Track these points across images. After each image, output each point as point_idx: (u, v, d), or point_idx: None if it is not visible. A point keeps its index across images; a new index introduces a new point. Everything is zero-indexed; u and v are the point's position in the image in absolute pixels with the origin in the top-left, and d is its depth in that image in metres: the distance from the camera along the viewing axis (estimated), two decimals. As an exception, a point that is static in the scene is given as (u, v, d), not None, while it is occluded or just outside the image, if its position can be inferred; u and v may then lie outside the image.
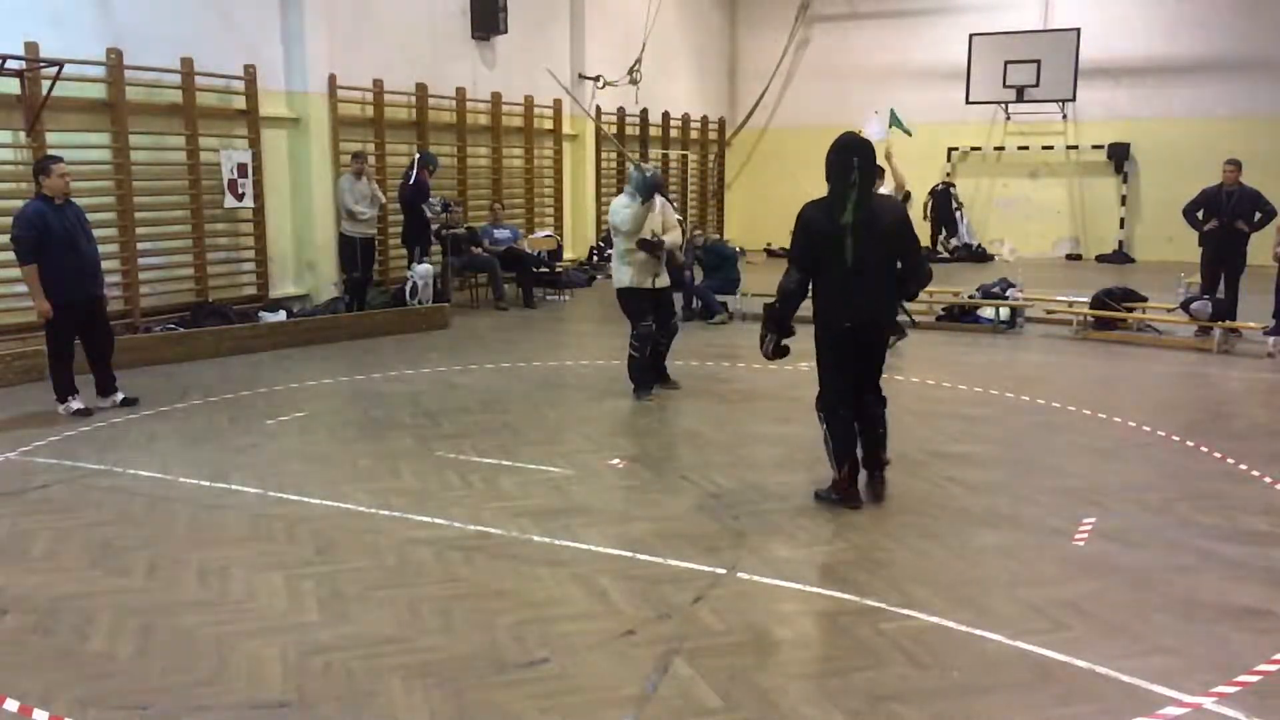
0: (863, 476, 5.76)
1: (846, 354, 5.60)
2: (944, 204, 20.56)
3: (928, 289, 15.18)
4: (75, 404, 7.80)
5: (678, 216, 9.14)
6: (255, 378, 9.16)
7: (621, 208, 8.32)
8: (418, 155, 12.93)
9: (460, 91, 14.72)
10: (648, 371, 8.43)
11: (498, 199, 15.12)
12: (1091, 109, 19.45)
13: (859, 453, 5.70)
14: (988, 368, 9.72)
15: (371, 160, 12.79)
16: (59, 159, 7.78)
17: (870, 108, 20.74)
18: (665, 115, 19.85)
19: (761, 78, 22.05)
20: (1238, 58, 18.39)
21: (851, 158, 5.38)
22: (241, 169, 11.53)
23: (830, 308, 5.55)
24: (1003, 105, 19.72)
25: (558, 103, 16.78)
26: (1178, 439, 7.13)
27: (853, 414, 5.64)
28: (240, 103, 11.55)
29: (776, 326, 5.75)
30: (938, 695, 3.68)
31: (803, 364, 10.03)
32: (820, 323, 5.63)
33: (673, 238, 8.47)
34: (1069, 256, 20.21)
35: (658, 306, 8.41)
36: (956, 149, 20.82)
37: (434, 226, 13.14)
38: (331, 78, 12.45)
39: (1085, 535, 5.27)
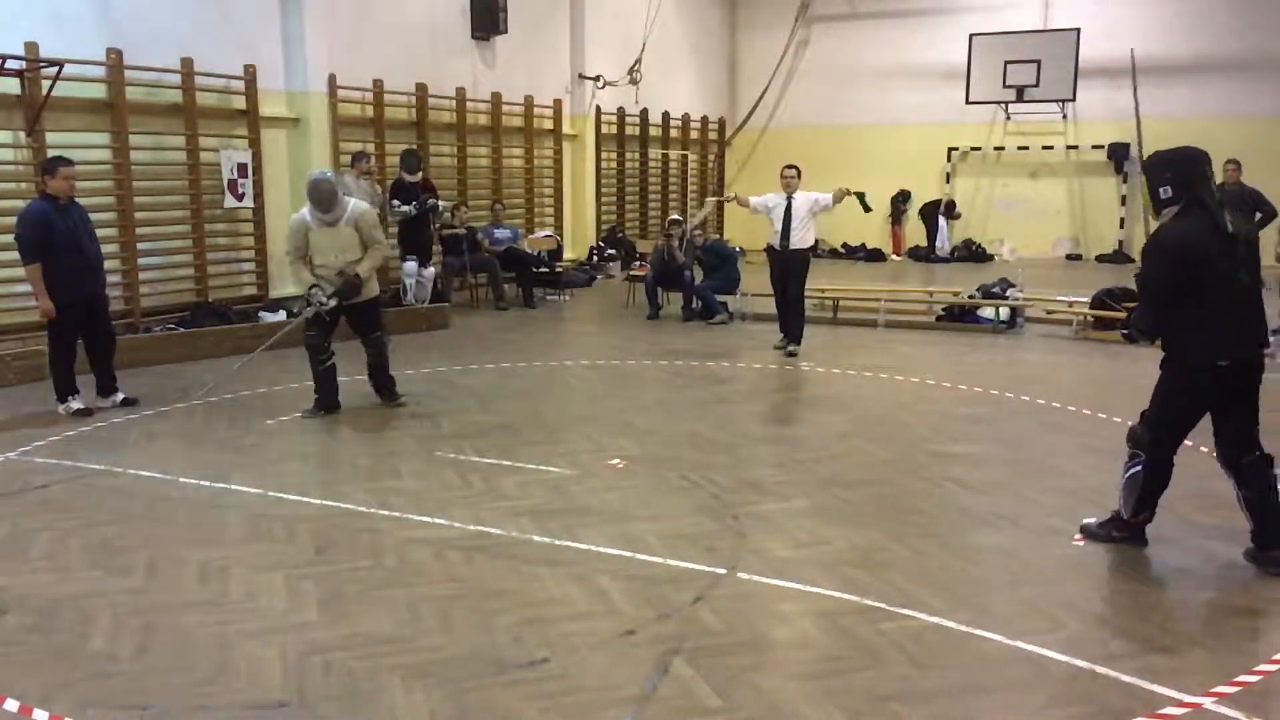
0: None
1: (1214, 396, 4.80)
2: (932, 210, 20.67)
3: (927, 288, 15.22)
4: (75, 404, 7.80)
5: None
6: (255, 378, 9.15)
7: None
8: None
9: (460, 91, 14.72)
10: (322, 388, 7.86)
11: (498, 199, 15.12)
12: (1091, 109, 19.45)
13: (1251, 524, 4.91)
14: (988, 368, 9.72)
15: (371, 160, 12.77)
16: (69, 162, 7.76)
17: (871, 108, 20.92)
18: (665, 115, 19.85)
19: (761, 78, 22.04)
20: (1238, 58, 18.38)
21: (1204, 163, 4.84)
22: (241, 169, 11.53)
23: (1207, 339, 4.72)
24: (1003, 105, 19.71)
25: (558, 103, 16.79)
26: (1178, 439, 7.11)
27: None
28: (240, 103, 11.55)
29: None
30: (938, 695, 3.68)
31: (803, 364, 10.09)
32: (1189, 358, 4.81)
33: (365, 267, 7.78)
34: (1069, 256, 20.21)
35: (357, 324, 7.98)
36: (956, 149, 20.81)
37: (434, 227, 13.13)
38: (331, 78, 12.45)
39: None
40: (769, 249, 10.46)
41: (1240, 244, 4.71)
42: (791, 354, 10.30)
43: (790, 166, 10.37)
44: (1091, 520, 5.24)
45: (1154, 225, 4.90)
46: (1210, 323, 4.66)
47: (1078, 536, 5.22)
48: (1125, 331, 5.13)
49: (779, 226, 10.23)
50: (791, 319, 10.48)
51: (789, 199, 10.21)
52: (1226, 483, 6.13)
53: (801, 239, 10.24)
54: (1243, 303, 4.71)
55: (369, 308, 8.01)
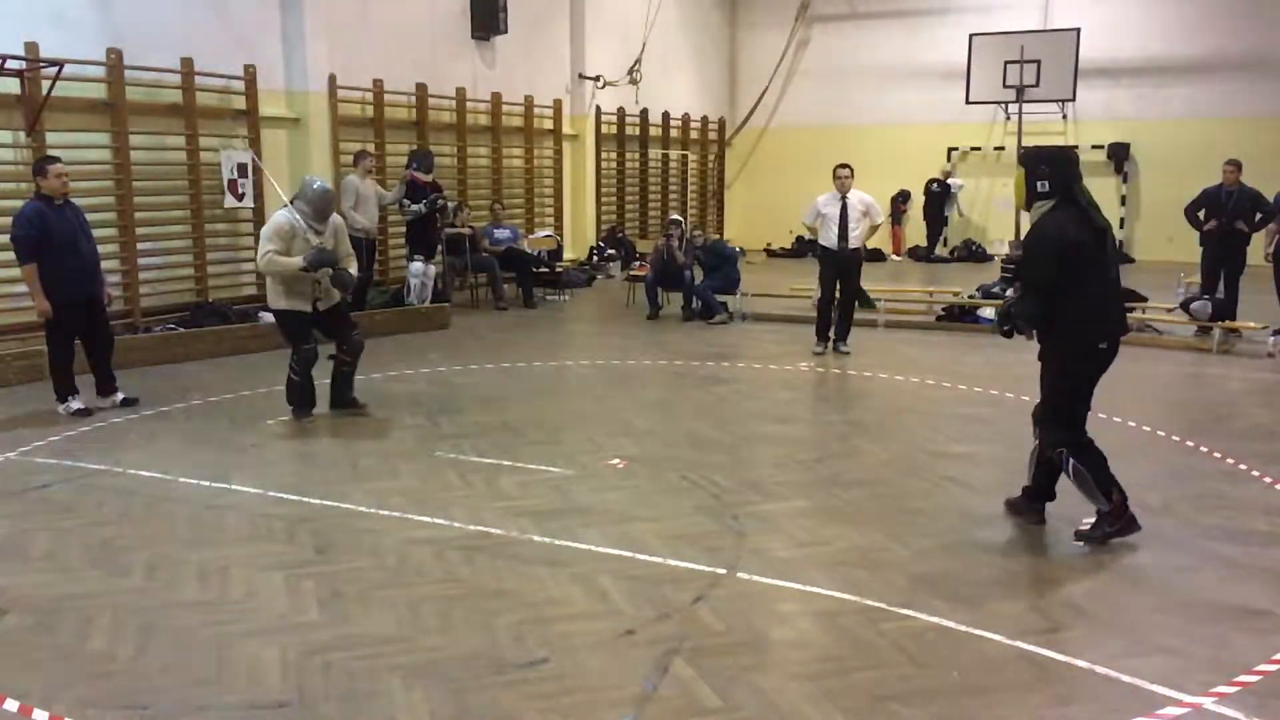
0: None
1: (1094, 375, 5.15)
2: (936, 203, 20.64)
3: (927, 288, 15.21)
4: (75, 404, 7.80)
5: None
6: (255, 378, 9.15)
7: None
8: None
9: (460, 91, 14.72)
10: (307, 393, 7.72)
11: (498, 199, 15.12)
12: (1091, 109, 19.45)
13: (1029, 478, 5.38)
14: (988, 368, 9.72)
15: (372, 160, 12.77)
16: (56, 159, 7.78)
17: (871, 108, 20.92)
18: (665, 115, 19.85)
19: (761, 78, 22.05)
20: (1238, 58, 18.39)
21: (1076, 164, 5.20)
22: (241, 169, 11.52)
23: (1089, 323, 5.05)
24: (1003, 105, 19.70)
25: (558, 103, 16.79)
26: (1178, 439, 7.13)
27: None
28: (240, 103, 11.55)
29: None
30: (938, 695, 3.68)
31: (802, 364, 10.08)
32: (1074, 344, 5.10)
33: (353, 269, 7.69)
34: (1069, 256, 20.19)
35: (330, 328, 7.74)
36: (956, 149, 20.82)
37: (443, 225, 13.14)
38: (331, 78, 12.45)
39: (1085, 535, 5.27)
40: (824, 250, 10.39)
41: (1109, 237, 5.11)
42: (845, 352, 10.33)
43: (843, 166, 10.28)
44: (1084, 526, 5.22)
45: (1026, 218, 5.16)
46: (1090, 309, 4.98)
47: (1077, 540, 5.22)
48: (1005, 327, 5.28)
49: (835, 227, 10.18)
50: (843, 318, 10.49)
51: (844, 199, 10.17)
52: (1226, 483, 6.16)
53: (857, 238, 10.21)
54: (1115, 291, 5.13)
55: (343, 309, 7.87)
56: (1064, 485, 6.03)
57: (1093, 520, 5.19)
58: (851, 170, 10.28)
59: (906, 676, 3.82)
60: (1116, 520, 5.08)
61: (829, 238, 10.24)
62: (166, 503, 5.85)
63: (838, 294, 10.41)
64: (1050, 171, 5.05)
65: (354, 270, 7.73)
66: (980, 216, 20.89)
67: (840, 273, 10.33)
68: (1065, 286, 4.94)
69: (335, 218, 7.74)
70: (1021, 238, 5.13)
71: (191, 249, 11.29)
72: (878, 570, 4.81)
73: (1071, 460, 5.07)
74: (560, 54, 17.11)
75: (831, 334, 10.55)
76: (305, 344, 7.63)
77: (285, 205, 7.65)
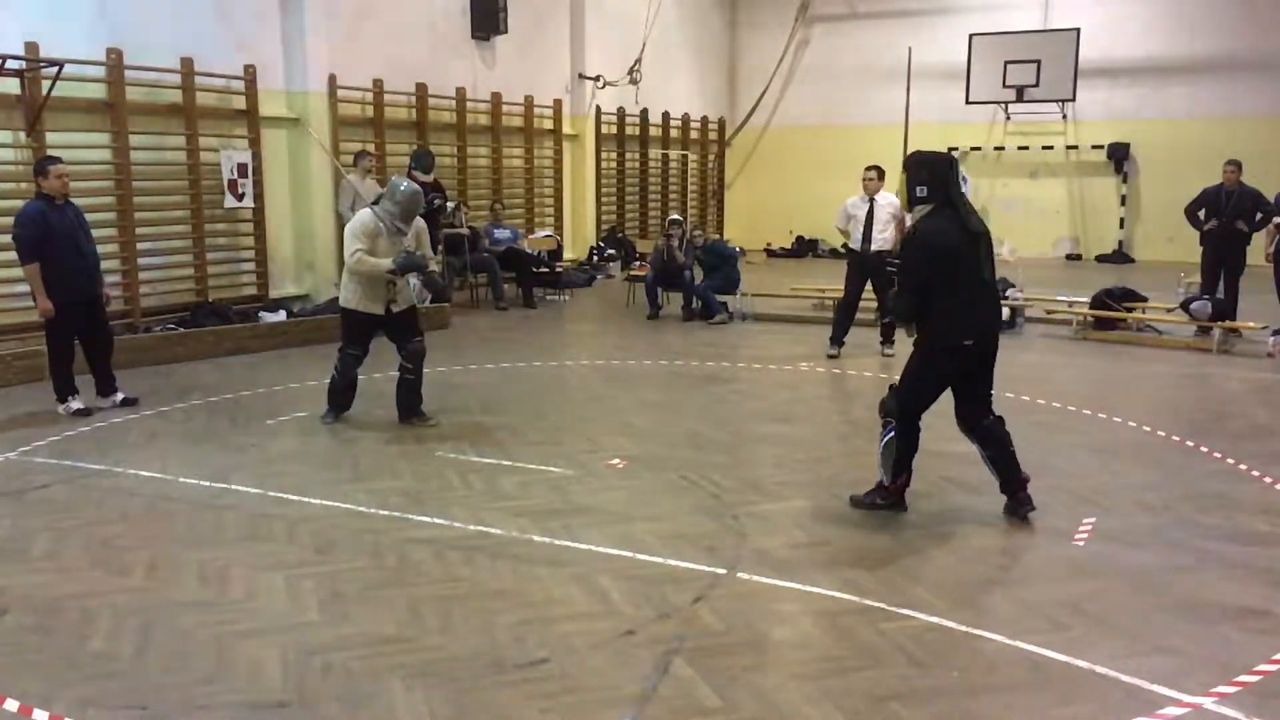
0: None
1: (957, 371, 5.42)
2: None
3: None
4: (75, 404, 7.80)
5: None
6: (255, 378, 9.16)
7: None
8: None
9: (460, 91, 14.72)
10: (338, 395, 7.61)
11: (498, 199, 15.12)
12: (1091, 109, 19.44)
13: (997, 478, 5.55)
14: (988, 368, 9.70)
15: (372, 160, 12.77)
16: (57, 160, 7.78)
17: (871, 107, 20.92)
18: (665, 115, 19.84)
19: (761, 78, 22.04)
20: (1238, 58, 18.38)
21: (955, 168, 5.46)
22: (241, 169, 11.53)
23: (956, 322, 5.33)
24: (1003, 105, 19.70)
25: (558, 103, 16.79)
26: (1178, 439, 7.13)
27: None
28: (240, 103, 11.55)
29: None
30: (938, 695, 3.68)
31: (802, 364, 10.08)
32: (942, 339, 5.38)
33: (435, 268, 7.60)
34: (1069, 256, 20.21)
35: (395, 331, 7.54)
36: (956, 149, 20.76)
37: (445, 226, 13.13)
38: (331, 78, 12.44)
39: (1085, 535, 5.28)
40: (850, 252, 10.39)
41: (983, 242, 5.36)
42: (889, 355, 10.22)
43: (872, 168, 10.26)
44: (859, 492, 5.68)
45: (909, 220, 5.39)
46: (958, 308, 5.27)
47: (1078, 537, 5.23)
48: (885, 321, 5.72)
49: (860, 229, 10.17)
50: (884, 320, 10.42)
51: (871, 201, 10.15)
52: (1227, 483, 6.16)
53: (883, 240, 10.14)
54: (985, 293, 5.39)
55: (413, 314, 7.59)
56: (1062, 486, 6.05)
57: (871, 489, 5.64)
58: (880, 172, 10.22)
59: (906, 676, 3.82)
60: (889, 497, 5.58)
61: (855, 239, 10.26)
62: (166, 503, 5.86)
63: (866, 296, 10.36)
64: (929, 176, 5.30)
65: (436, 270, 7.54)
66: (980, 216, 20.84)
67: (867, 274, 10.25)
68: (938, 286, 5.24)
69: (418, 220, 7.53)
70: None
71: (191, 249, 11.29)
72: (878, 570, 4.81)
73: (892, 432, 5.46)
74: (560, 54, 17.10)
75: (879, 336, 10.51)
76: (353, 349, 7.49)
77: (368, 206, 7.52)
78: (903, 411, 5.46)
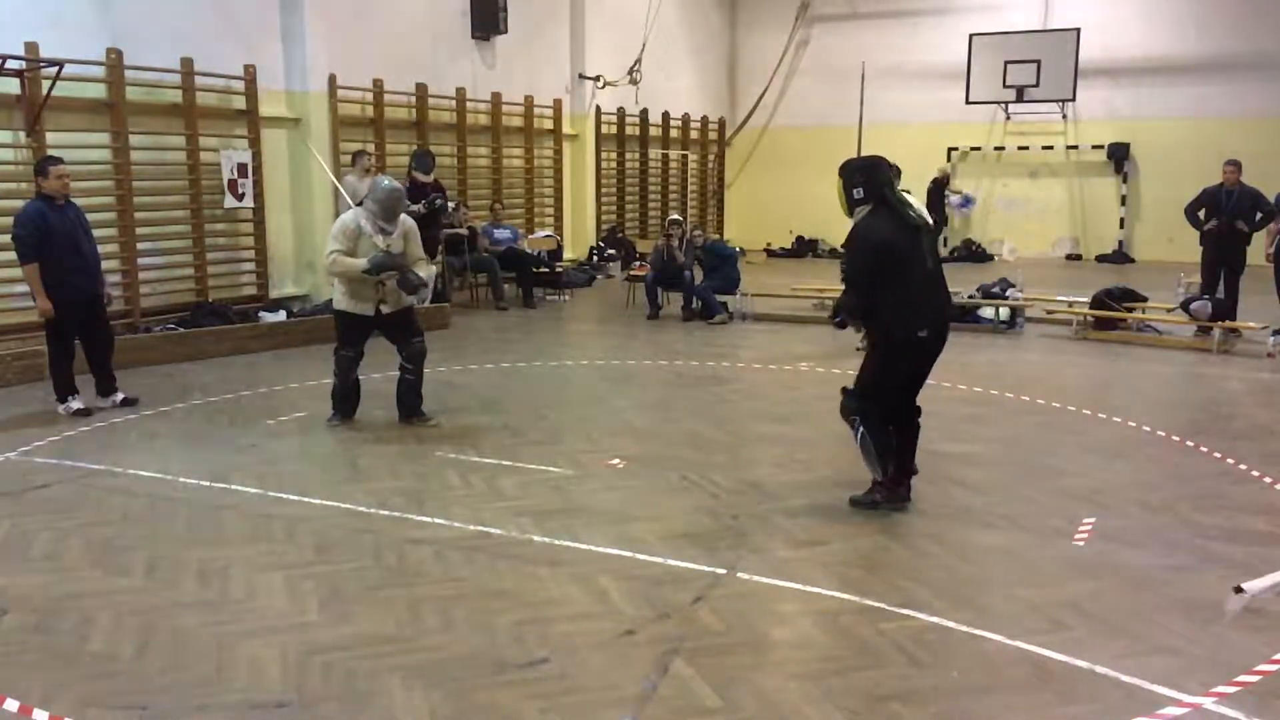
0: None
1: (913, 362, 5.61)
2: (937, 202, 20.58)
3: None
4: (75, 404, 7.80)
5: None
6: (255, 378, 9.16)
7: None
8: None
9: (460, 91, 14.72)
10: (338, 397, 7.57)
11: (498, 199, 15.12)
12: (1091, 109, 19.45)
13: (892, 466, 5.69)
14: (988, 368, 9.72)
15: (371, 160, 12.78)
16: (58, 160, 7.78)
17: (871, 107, 20.86)
18: (665, 115, 19.85)
19: (761, 78, 22.05)
20: (1238, 58, 18.38)
21: (888, 169, 5.64)
22: (241, 169, 11.53)
23: (907, 315, 5.48)
24: (1003, 105, 19.71)
25: (558, 103, 16.80)
26: (1178, 439, 7.13)
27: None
28: (240, 103, 11.55)
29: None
30: (938, 695, 3.68)
31: (802, 365, 10.08)
32: (896, 332, 5.52)
33: (425, 271, 7.41)
34: (1069, 256, 20.21)
35: (392, 332, 7.48)
36: (956, 149, 20.82)
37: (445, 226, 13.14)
38: (331, 78, 12.44)
39: (1085, 535, 5.27)
40: None
41: (924, 235, 5.53)
42: None
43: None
44: (859, 493, 5.71)
45: (849, 222, 5.59)
46: (908, 302, 5.40)
47: (1078, 537, 5.23)
48: (837, 319, 5.92)
49: None
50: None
51: None
52: (1227, 483, 6.16)
53: None
54: (931, 284, 5.52)
55: (409, 313, 7.50)
56: (1062, 486, 6.05)
57: (867, 489, 5.67)
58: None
59: (906, 676, 3.82)
60: (887, 493, 5.62)
61: None
62: (166, 503, 5.85)
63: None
64: (864, 180, 5.50)
65: (425, 272, 7.42)
66: (980, 216, 20.87)
67: None
68: (883, 281, 5.39)
69: (406, 219, 7.43)
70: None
71: (191, 249, 11.29)
72: (878, 570, 4.82)
73: (862, 429, 5.51)
74: (560, 54, 17.11)
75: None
76: (347, 350, 7.46)
77: (354, 206, 7.48)
78: (865, 407, 5.53)
